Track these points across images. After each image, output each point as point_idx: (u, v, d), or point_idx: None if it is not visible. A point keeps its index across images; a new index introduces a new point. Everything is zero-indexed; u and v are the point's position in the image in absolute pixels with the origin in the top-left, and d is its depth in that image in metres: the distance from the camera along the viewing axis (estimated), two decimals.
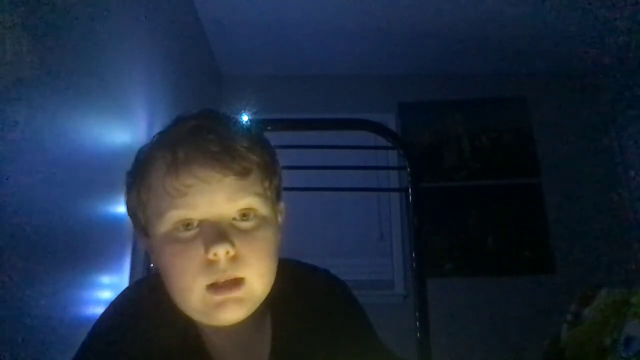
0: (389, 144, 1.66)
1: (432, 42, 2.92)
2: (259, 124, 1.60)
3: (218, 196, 0.58)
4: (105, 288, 1.38)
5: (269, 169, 0.63)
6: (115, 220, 1.45)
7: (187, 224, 0.58)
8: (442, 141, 3.12)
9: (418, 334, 1.39)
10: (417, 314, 1.41)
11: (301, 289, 0.70)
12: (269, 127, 1.57)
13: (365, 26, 2.76)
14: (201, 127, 0.60)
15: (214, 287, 0.57)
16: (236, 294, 0.58)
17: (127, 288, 0.74)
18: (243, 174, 0.59)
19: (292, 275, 0.69)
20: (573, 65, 3.10)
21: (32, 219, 1.03)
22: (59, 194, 1.15)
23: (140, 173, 0.63)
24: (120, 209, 1.48)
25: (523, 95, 3.15)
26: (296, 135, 1.66)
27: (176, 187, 0.57)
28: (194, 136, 0.59)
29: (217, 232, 0.57)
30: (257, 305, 0.62)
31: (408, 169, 1.56)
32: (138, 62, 1.72)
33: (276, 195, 0.66)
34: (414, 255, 1.49)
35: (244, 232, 0.59)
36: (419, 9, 2.60)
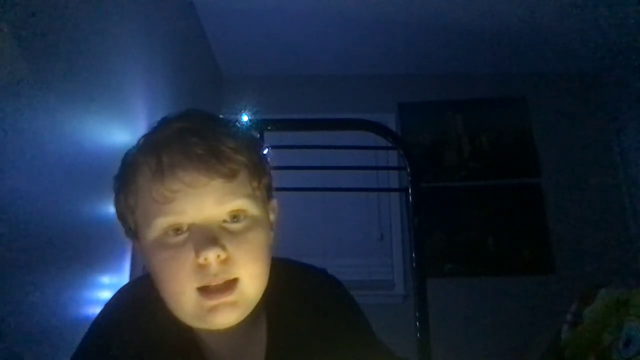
0: (389, 144, 1.66)
1: (433, 42, 2.92)
2: (259, 124, 1.60)
3: (206, 200, 0.57)
4: (105, 288, 1.38)
5: (258, 169, 0.62)
6: (116, 220, 1.45)
7: (176, 229, 0.57)
8: (442, 141, 3.12)
9: (418, 334, 1.39)
10: (417, 314, 1.41)
11: (297, 289, 0.70)
12: (269, 127, 1.57)
13: (365, 26, 2.76)
14: (185, 129, 0.59)
15: (206, 290, 0.57)
16: (230, 297, 0.57)
17: (123, 288, 0.73)
18: (230, 175, 0.58)
19: (287, 275, 0.68)
20: (573, 65, 3.10)
21: (32, 218, 1.03)
22: (59, 194, 1.15)
23: (126, 178, 0.62)
24: None
25: (523, 95, 3.15)
26: (296, 136, 1.67)
27: (163, 193, 0.56)
28: (178, 139, 0.58)
29: (207, 236, 0.56)
30: (252, 307, 0.61)
31: (408, 169, 1.56)
32: (138, 62, 1.72)
33: (267, 193, 0.65)
34: (414, 255, 1.49)
35: (234, 234, 0.58)
36: (419, 9, 2.60)
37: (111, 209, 1.47)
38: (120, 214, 0.65)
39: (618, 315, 0.92)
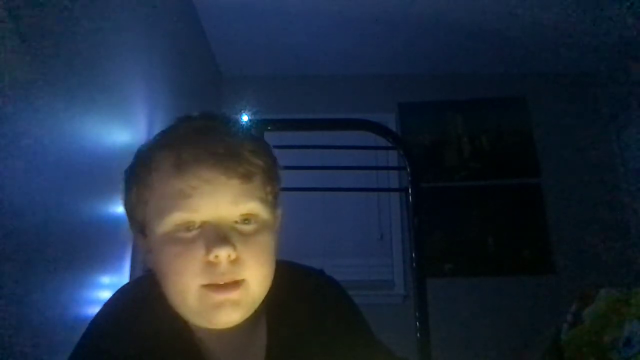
0: (389, 144, 1.66)
1: (433, 42, 2.92)
2: (259, 124, 1.61)
3: (222, 199, 0.58)
4: (105, 288, 1.38)
5: (272, 174, 0.64)
6: (116, 220, 1.45)
7: (188, 225, 0.58)
8: (442, 141, 3.12)
9: (418, 334, 1.39)
10: (417, 314, 1.41)
11: (296, 291, 0.70)
12: (269, 127, 1.57)
13: (365, 26, 2.76)
14: (207, 128, 0.60)
15: (212, 287, 0.57)
16: (234, 295, 0.58)
17: (122, 288, 0.73)
18: (247, 177, 0.59)
19: (286, 277, 0.68)
20: (573, 65, 3.10)
21: (32, 218, 1.03)
22: (59, 194, 1.15)
23: (142, 172, 0.62)
24: (121, 209, 1.48)
25: (523, 95, 3.15)
26: (296, 136, 1.67)
27: (180, 188, 0.57)
28: (200, 137, 0.59)
29: (220, 235, 0.57)
30: (254, 309, 0.62)
31: (408, 169, 1.56)
32: (138, 62, 1.72)
33: (276, 200, 0.66)
34: (414, 255, 1.49)
35: (245, 235, 0.59)
36: (419, 9, 2.60)
37: (111, 209, 1.48)
38: (129, 207, 0.65)
39: (618, 315, 0.92)
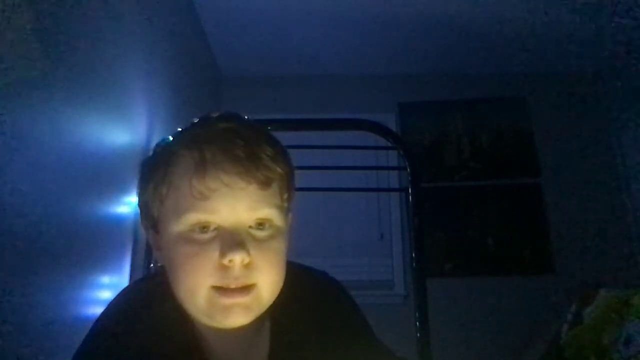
0: (389, 144, 1.66)
1: (433, 42, 2.92)
2: (258, 124, 1.60)
3: (240, 203, 0.58)
4: (105, 288, 1.38)
5: (289, 182, 0.65)
6: (116, 220, 1.44)
7: (203, 227, 0.58)
8: (442, 141, 3.12)
9: (418, 334, 1.39)
10: (417, 314, 1.41)
11: (298, 292, 0.70)
12: (269, 127, 1.56)
13: (365, 26, 2.76)
14: (230, 130, 0.61)
15: (223, 290, 0.58)
16: (245, 299, 0.58)
17: (127, 288, 0.74)
18: (266, 184, 0.59)
19: (288, 277, 0.68)
20: (573, 65, 3.10)
21: (32, 219, 1.03)
22: (59, 194, 1.15)
23: (161, 168, 0.62)
24: (121, 208, 1.48)
25: (523, 95, 3.15)
26: (296, 136, 1.66)
27: (200, 190, 0.57)
28: (223, 139, 0.59)
29: (235, 239, 0.57)
30: (262, 312, 0.62)
31: (408, 169, 1.56)
32: (138, 62, 1.72)
33: (289, 206, 0.67)
34: (414, 255, 1.49)
35: (259, 241, 0.59)
36: (419, 8, 2.60)
37: (111, 209, 1.48)
38: (144, 202, 0.65)
39: (618, 315, 0.92)
